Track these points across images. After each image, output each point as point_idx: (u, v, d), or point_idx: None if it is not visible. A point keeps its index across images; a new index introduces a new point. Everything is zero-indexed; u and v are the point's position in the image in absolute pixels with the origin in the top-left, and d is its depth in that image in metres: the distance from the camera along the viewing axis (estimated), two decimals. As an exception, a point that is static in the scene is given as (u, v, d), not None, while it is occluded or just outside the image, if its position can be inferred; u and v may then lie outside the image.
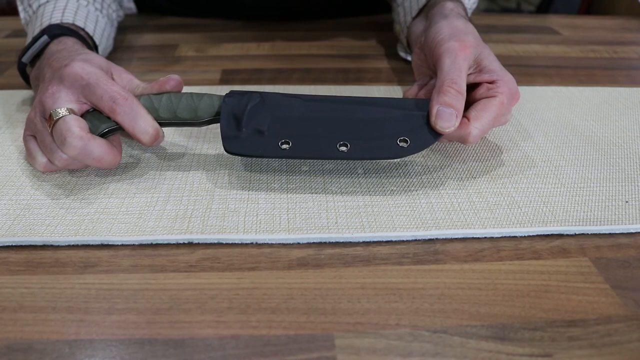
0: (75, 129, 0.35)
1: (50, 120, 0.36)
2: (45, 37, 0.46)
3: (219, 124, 0.39)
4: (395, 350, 0.26)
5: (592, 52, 0.70)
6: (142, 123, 0.37)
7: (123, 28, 0.75)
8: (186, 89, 0.53)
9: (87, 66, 0.38)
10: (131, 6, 0.86)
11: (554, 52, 0.69)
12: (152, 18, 0.83)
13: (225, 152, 0.43)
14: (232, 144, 0.37)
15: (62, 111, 0.36)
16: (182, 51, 0.68)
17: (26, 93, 0.54)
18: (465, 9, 0.51)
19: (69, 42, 0.46)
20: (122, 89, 0.37)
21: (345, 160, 0.41)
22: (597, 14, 1.55)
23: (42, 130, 0.37)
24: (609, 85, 0.58)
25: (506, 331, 0.27)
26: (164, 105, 0.39)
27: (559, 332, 0.27)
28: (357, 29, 0.79)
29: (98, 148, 0.36)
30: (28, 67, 0.48)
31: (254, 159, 0.42)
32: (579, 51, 0.70)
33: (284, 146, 0.37)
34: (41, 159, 0.38)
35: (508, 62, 0.64)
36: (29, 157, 0.39)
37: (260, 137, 0.37)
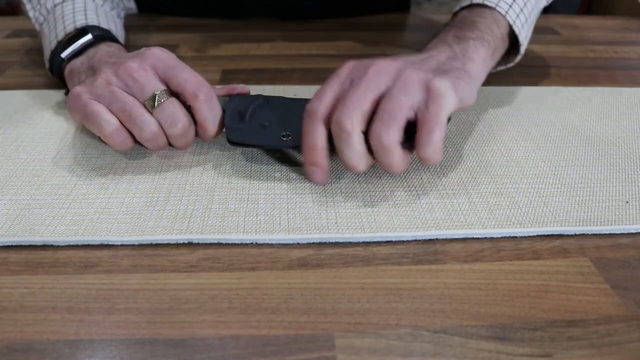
0: (183, 110, 0.38)
1: (152, 100, 0.37)
2: (90, 36, 0.48)
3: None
4: (395, 350, 0.26)
5: (592, 52, 0.70)
6: (216, 114, 0.39)
7: (123, 28, 0.75)
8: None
9: (168, 52, 0.40)
10: (132, 6, 0.86)
11: (554, 52, 0.69)
12: (152, 18, 0.83)
13: (222, 152, 0.43)
14: (235, 134, 0.39)
15: (165, 93, 0.38)
16: (182, 51, 0.69)
17: (26, 93, 0.53)
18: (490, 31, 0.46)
19: (118, 47, 0.48)
20: (205, 80, 0.39)
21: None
22: (597, 14, 1.55)
23: (127, 100, 0.38)
24: (609, 85, 0.58)
25: (506, 331, 0.27)
26: None
27: (559, 332, 0.27)
28: (357, 29, 0.79)
29: (192, 133, 0.39)
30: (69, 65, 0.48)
31: (252, 159, 0.42)
32: (579, 51, 0.70)
33: (284, 138, 0.39)
34: (115, 122, 0.38)
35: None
36: (95, 119, 0.38)
37: (262, 129, 0.40)
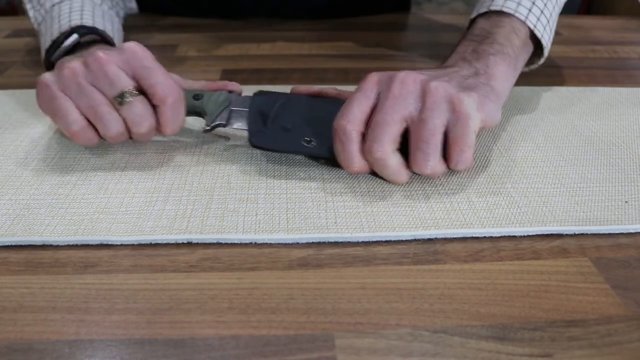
0: (151, 109, 0.38)
1: (120, 96, 0.37)
2: (75, 36, 0.47)
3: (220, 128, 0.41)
4: (395, 350, 0.26)
5: (592, 52, 0.70)
6: (179, 119, 0.39)
7: (123, 28, 0.75)
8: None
9: (146, 50, 0.39)
10: (133, 6, 0.86)
11: (554, 52, 0.69)
12: (152, 18, 0.83)
13: (222, 152, 0.43)
14: (259, 138, 0.39)
15: (135, 92, 0.38)
16: (182, 51, 0.69)
17: (26, 93, 0.53)
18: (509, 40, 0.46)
19: (108, 48, 0.47)
20: (176, 84, 0.39)
21: None
22: (597, 14, 1.55)
23: (94, 96, 0.37)
24: (609, 85, 0.58)
25: (506, 331, 0.27)
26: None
27: (559, 332, 0.27)
28: (357, 29, 0.79)
29: (154, 130, 0.39)
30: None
31: (251, 159, 0.42)
32: (579, 51, 0.70)
33: (307, 144, 0.39)
34: (81, 121, 0.37)
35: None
36: (62, 117, 0.38)
37: (285, 133, 0.40)
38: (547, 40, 0.49)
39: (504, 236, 0.34)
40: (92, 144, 0.39)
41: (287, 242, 0.34)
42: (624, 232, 0.35)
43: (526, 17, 0.47)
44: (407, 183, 0.39)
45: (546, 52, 0.50)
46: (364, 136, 0.36)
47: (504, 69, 0.42)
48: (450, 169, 0.37)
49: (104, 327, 0.28)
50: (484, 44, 0.44)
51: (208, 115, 0.41)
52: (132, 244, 0.33)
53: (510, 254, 0.33)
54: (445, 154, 0.36)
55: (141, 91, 0.38)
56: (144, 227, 0.34)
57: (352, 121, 0.36)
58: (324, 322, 0.28)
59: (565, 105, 0.52)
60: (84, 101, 0.37)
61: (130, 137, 0.40)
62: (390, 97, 0.36)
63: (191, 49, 0.69)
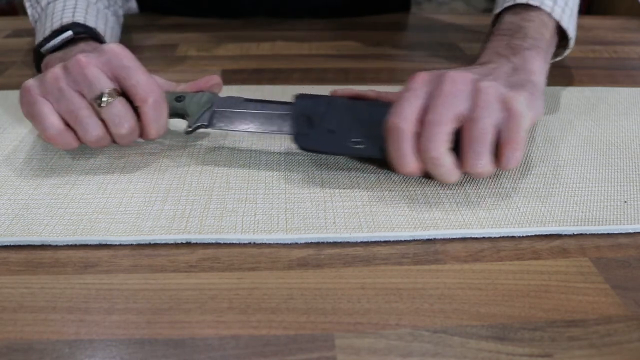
0: (131, 111, 0.38)
1: (99, 98, 0.37)
2: (70, 33, 0.47)
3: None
4: (395, 350, 0.26)
5: (592, 52, 0.70)
6: (161, 119, 0.39)
7: (124, 27, 0.75)
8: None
9: (126, 51, 0.39)
10: (133, 6, 0.86)
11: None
12: (152, 18, 0.83)
13: (221, 152, 0.43)
14: (304, 141, 0.39)
15: (114, 93, 0.37)
16: (182, 51, 0.68)
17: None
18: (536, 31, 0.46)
19: (96, 46, 0.47)
20: (156, 84, 0.39)
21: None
22: (597, 14, 1.55)
23: (74, 100, 0.37)
24: (609, 85, 0.58)
25: (506, 331, 0.27)
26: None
27: (559, 332, 0.27)
28: (357, 29, 0.79)
29: (137, 130, 0.39)
30: (45, 59, 0.48)
31: (250, 159, 0.42)
32: (578, 51, 0.70)
33: (356, 145, 0.38)
34: (58, 125, 0.37)
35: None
36: (40, 120, 0.37)
37: (332, 135, 0.39)
38: (572, 31, 0.50)
39: (504, 236, 0.34)
40: (71, 148, 0.39)
41: (286, 242, 0.34)
42: (624, 232, 0.35)
43: (552, 9, 0.47)
44: (406, 183, 0.39)
45: (572, 44, 0.51)
46: (416, 136, 0.36)
47: (540, 64, 0.43)
48: (499, 169, 0.36)
49: (104, 327, 0.28)
50: (516, 38, 0.44)
51: (190, 117, 0.41)
52: (132, 244, 0.33)
53: (510, 254, 0.33)
54: (495, 153, 0.36)
55: (124, 94, 0.38)
56: (142, 227, 0.34)
57: (405, 120, 0.35)
58: (324, 322, 0.28)
59: (565, 105, 0.52)
60: (63, 105, 0.37)
61: (114, 141, 0.39)
62: (442, 96, 0.35)
63: (191, 49, 0.69)
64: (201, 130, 0.42)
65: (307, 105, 0.41)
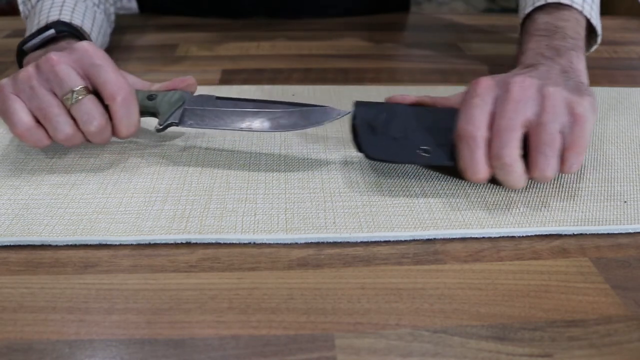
0: (101, 108, 0.38)
1: (69, 96, 0.37)
2: (52, 31, 0.47)
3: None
4: (395, 350, 0.26)
5: (593, 52, 0.70)
6: (131, 117, 0.39)
7: (123, 28, 0.75)
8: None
9: (98, 49, 0.39)
10: (132, 6, 0.86)
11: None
12: (152, 18, 0.83)
13: (220, 152, 0.43)
14: (373, 150, 0.38)
15: (83, 90, 0.37)
16: (182, 51, 0.68)
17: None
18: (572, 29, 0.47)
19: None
20: (126, 81, 0.39)
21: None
22: (596, 14, 1.54)
23: (45, 98, 0.37)
24: (609, 85, 0.58)
25: (506, 331, 0.27)
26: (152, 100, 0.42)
27: (559, 332, 0.27)
28: (357, 29, 0.79)
29: (110, 131, 0.39)
30: (27, 57, 0.48)
31: (250, 159, 0.42)
32: (578, 51, 0.70)
33: (424, 153, 0.38)
34: (27, 121, 0.37)
35: (508, 63, 0.64)
36: (10, 117, 0.37)
37: (396, 143, 0.38)
38: (599, 27, 0.51)
39: (504, 236, 0.34)
40: (42, 146, 0.39)
41: (286, 242, 0.34)
42: (624, 232, 0.35)
43: (582, 7, 0.48)
44: (405, 183, 0.39)
45: (599, 40, 0.52)
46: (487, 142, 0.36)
47: (584, 64, 0.44)
48: (561, 172, 0.37)
49: (104, 327, 0.28)
50: (556, 39, 0.45)
51: (161, 115, 0.41)
52: (132, 244, 0.33)
53: (510, 254, 0.33)
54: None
55: (95, 92, 0.38)
56: (142, 227, 0.34)
57: (478, 127, 0.35)
58: (324, 322, 0.28)
59: (565, 105, 0.52)
60: (34, 103, 0.37)
61: (88, 140, 0.39)
62: (512, 102, 0.35)
63: (191, 49, 0.69)
64: (173, 128, 0.42)
65: (369, 113, 0.40)
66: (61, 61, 0.38)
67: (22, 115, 0.37)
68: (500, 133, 0.35)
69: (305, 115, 0.40)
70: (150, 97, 0.42)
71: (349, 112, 0.40)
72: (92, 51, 0.39)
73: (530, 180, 0.39)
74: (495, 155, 0.35)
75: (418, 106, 0.42)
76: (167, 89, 0.43)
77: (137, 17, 0.84)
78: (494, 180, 0.37)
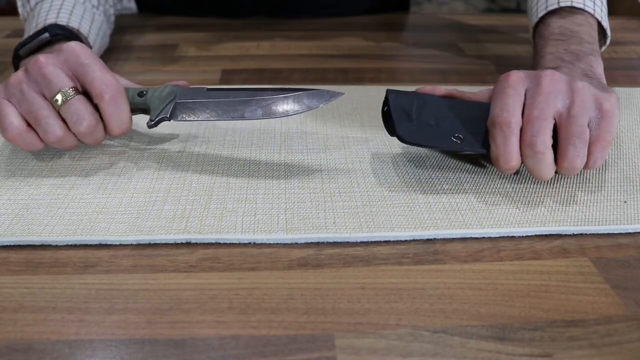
0: (90, 108, 0.37)
1: (57, 97, 0.36)
2: (46, 35, 0.47)
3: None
4: (395, 350, 0.26)
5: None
6: (121, 114, 0.38)
7: (123, 28, 0.75)
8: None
9: (85, 49, 0.39)
10: (132, 6, 0.86)
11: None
12: (152, 18, 0.83)
13: (220, 152, 0.43)
14: (408, 133, 0.39)
15: (72, 91, 0.37)
16: (182, 51, 0.68)
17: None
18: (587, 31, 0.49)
19: None
20: (114, 79, 0.38)
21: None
22: (596, 14, 1.54)
23: (35, 101, 0.37)
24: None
25: (506, 331, 0.27)
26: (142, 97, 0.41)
27: (559, 332, 0.27)
28: (357, 29, 0.79)
29: (102, 130, 0.38)
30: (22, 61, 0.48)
31: (250, 159, 0.42)
32: (578, 51, 0.70)
33: (456, 140, 0.39)
34: (18, 125, 0.37)
35: (508, 62, 0.64)
36: (1, 120, 0.37)
37: (431, 129, 0.39)
38: (609, 29, 0.52)
39: (504, 236, 0.34)
40: (35, 149, 0.38)
41: (286, 242, 0.34)
42: (624, 232, 0.35)
43: (594, 11, 0.49)
44: (405, 183, 0.39)
45: (608, 41, 0.53)
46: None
47: (602, 67, 0.45)
48: (585, 168, 0.37)
49: (104, 327, 0.28)
50: (573, 43, 0.46)
51: (152, 110, 0.40)
52: (132, 244, 0.33)
53: (510, 254, 0.33)
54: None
55: (86, 93, 0.38)
56: (142, 227, 0.34)
57: (512, 114, 0.36)
58: (324, 322, 0.28)
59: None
60: (24, 107, 0.37)
61: (81, 142, 0.39)
62: (544, 93, 0.37)
63: (191, 49, 0.69)
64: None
65: (402, 100, 0.41)
66: (49, 63, 0.37)
67: (13, 119, 0.37)
68: (532, 122, 0.36)
69: (299, 100, 0.40)
70: (141, 93, 0.41)
71: (342, 94, 0.40)
72: (79, 51, 0.38)
73: (530, 180, 0.39)
74: (529, 143, 0.35)
75: (448, 98, 0.43)
76: None
77: (137, 17, 0.84)
78: (517, 174, 0.39)
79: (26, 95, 0.37)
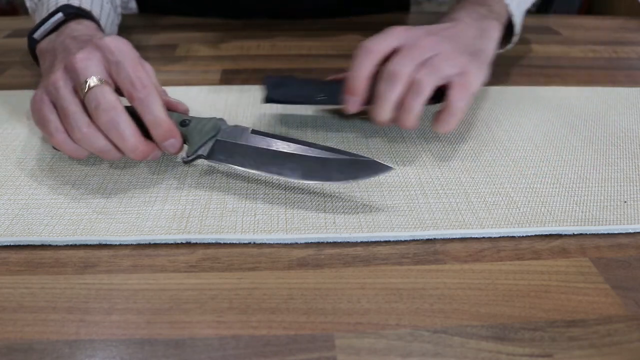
0: (112, 96, 0.34)
1: (83, 87, 0.35)
2: (60, 15, 0.46)
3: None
4: (395, 350, 0.26)
5: (592, 52, 0.70)
6: (156, 112, 0.35)
7: (123, 28, 0.75)
8: (186, 89, 0.53)
9: (121, 44, 0.37)
10: (132, 6, 0.86)
11: (554, 52, 0.69)
12: (152, 18, 0.83)
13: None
14: (279, 95, 0.45)
15: (96, 80, 0.35)
16: (182, 51, 0.68)
17: (26, 93, 0.53)
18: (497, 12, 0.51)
19: (88, 24, 0.47)
20: (146, 76, 0.36)
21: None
22: (597, 14, 1.55)
23: (66, 97, 0.35)
24: (609, 85, 0.58)
25: (506, 331, 0.27)
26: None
27: (559, 332, 0.27)
28: (357, 29, 0.79)
29: (126, 123, 0.35)
30: (39, 44, 0.48)
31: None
32: (579, 51, 0.70)
33: (321, 98, 0.45)
34: (62, 128, 0.35)
35: (508, 62, 0.64)
36: (46, 126, 0.36)
37: (299, 92, 0.46)
38: (519, 27, 0.55)
39: (504, 236, 0.34)
40: (79, 156, 0.36)
41: (286, 242, 0.34)
42: (624, 232, 0.35)
43: (510, 1, 0.52)
44: (405, 183, 0.39)
45: (515, 39, 0.56)
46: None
47: (497, 35, 0.47)
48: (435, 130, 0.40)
49: (104, 327, 0.28)
50: (483, 10, 0.49)
51: (190, 145, 0.38)
52: (132, 244, 0.33)
53: (510, 254, 0.33)
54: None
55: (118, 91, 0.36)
56: (142, 227, 0.34)
57: (379, 43, 0.40)
58: (324, 322, 0.28)
59: (565, 105, 0.52)
60: (58, 104, 0.35)
61: (116, 147, 0.36)
62: (418, 43, 0.40)
63: (191, 49, 0.69)
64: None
65: (276, 79, 0.47)
66: (83, 56, 0.36)
67: (58, 124, 0.35)
68: (400, 54, 0.40)
69: (345, 169, 0.36)
70: (183, 122, 0.39)
71: (392, 169, 0.36)
72: (112, 47, 0.37)
73: (530, 180, 0.39)
74: (386, 67, 0.39)
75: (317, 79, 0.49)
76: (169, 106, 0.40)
77: (137, 17, 0.84)
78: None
79: (60, 91, 0.35)
